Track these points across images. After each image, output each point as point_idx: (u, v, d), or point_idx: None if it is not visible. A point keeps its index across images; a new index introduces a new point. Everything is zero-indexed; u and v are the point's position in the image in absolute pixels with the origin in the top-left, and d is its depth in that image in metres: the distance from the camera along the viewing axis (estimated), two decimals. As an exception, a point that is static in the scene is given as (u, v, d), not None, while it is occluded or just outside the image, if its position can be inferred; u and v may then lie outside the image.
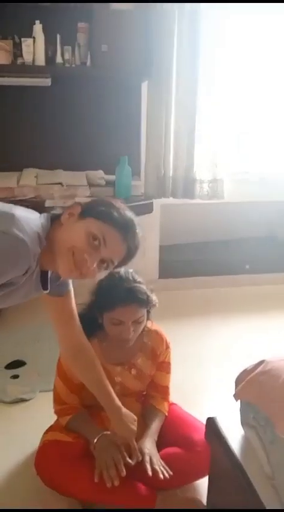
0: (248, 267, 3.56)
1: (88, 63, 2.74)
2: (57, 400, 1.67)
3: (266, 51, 3.34)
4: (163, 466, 1.50)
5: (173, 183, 3.15)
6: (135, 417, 1.57)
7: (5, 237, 1.07)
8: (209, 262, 3.53)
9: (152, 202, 2.98)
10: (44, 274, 1.25)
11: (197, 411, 1.77)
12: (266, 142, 3.63)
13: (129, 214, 1.23)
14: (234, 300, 3.37)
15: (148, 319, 1.62)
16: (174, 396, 1.81)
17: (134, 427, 1.54)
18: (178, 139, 3.06)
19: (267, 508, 1.14)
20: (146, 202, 2.95)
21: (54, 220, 1.21)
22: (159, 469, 1.47)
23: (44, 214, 1.23)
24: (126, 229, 1.19)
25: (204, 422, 1.52)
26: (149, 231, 3.26)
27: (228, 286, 3.50)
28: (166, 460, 1.56)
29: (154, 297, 1.59)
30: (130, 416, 1.55)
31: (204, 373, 2.46)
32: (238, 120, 3.39)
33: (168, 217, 3.37)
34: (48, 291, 1.28)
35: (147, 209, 2.92)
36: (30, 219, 1.16)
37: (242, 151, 3.49)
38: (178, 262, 3.50)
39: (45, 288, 1.27)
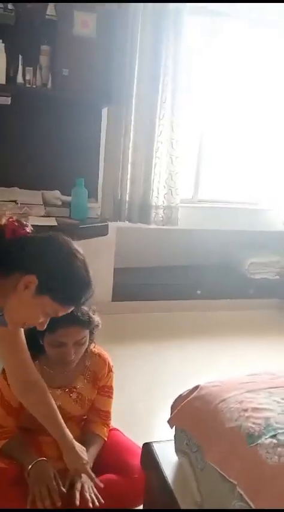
0: (199, 292, 3.63)
1: (49, 85, 2.77)
2: (-7, 423, 1.62)
3: (231, 79, 3.49)
4: (94, 494, 1.48)
5: (129, 207, 3.20)
6: (84, 448, 1.55)
7: None
8: (161, 286, 3.58)
9: (108, 225, 3.00)
10: None
11: (139, 437, 1.77)
12: (221, 172, 3.77)
13: (85, 275, 1.20)
14: (184, 324, 3.42)
15: (91, 340, 1.62)
16: (116, 421, 1.80)
17: (85, 457, 1.52)
18: (135, 165, 3.13)
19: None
20: (102, 224, 2.98)
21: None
22: (89, 497, 1.45)
23: None
24: (79, 304, 1.25)
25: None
26: (104, 253, 3.28)
27: (180, 311, 3.54)
28: (101, 487, 1.54)
29: (97, 318, 1.58)
30: (80, 447, 1.53)
31: (150, 398, 2.46)
32: (194, 149, 3.51)
33: (123, 241, 3.40)
34: None
35: (102, 231, 2.94)
36: None
37: (198, 180, 3.59)
38: (132, 286, 3.52)
39: None
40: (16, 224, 1.18)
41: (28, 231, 1.19)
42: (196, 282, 3.67)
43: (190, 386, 1.41)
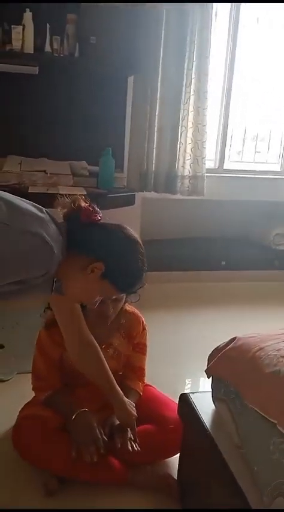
0: (224, 263, 3.65)
1: (76, 54, 2.78)
2: (36, 376, 1.70)
3: (254, 44, 3.44)
4: (132, 440, 1.56)
5: (155, 177, 3.21)
6: (133, 403, 1.64)
7: (35, 238, 1.12)
8: (187, 257, 3.60)
9: (134, 195, 3.03)
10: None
11: (171, 393, 1.83)
12: (248, 141, 3.75)
13: (143, 267, 1.31)
14: (210, 294, 3.45)
15: (127, 298, 1.68)
16: (149, 379, 1.87)
17: (134, 412, 1.62)
18: (161, 135, 3.13)
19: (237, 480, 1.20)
20: (129, 194, 3.01)
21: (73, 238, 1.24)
22: (128, 442, 1.53)
23: (63, 223, 1.25)
24: (133, 291, 1.40)
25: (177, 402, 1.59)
26: (130, 224, 3.27)
27: (205, 281, 3.58)
28: (139, 437, 1.62)
29: None
30: (130, 403, 1.63)
31: (179, 359, 2.54)
32: (221, 119, 3.48)
33: (149, 211, 3.42)
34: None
35: (128, 201, 2.97)
36: (54, 227, 1.20)
37: (224, 149, 3.57)
38: (158, 256, 3.55)
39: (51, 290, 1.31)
40: (90, 209, 1.27)
41: (100, 217, 1.28)
42: (221, 253, 3.68)
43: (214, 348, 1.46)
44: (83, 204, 1.27)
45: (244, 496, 1.14)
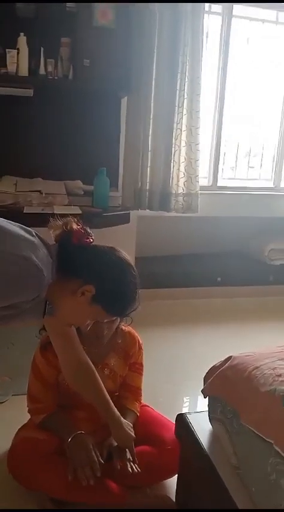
0: (219, 279, 3.66)
1: (70, 76, 2.83)
2: (31, 399, 1.69)
3: (245, 64, 3.52)
4: (132, 462, 1.54)
5: (150, 195, 3.24)
6: (131, 424, 1.62)
7: (26, 263, 1.11)
8: (182, 274, 3.61)
9: (129, 213, 3.05)
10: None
11: (167, 413, 1.82)
12: (241, 159, 3.80)
13: (135, 291, 1.31)
14: (205, 311, 3.45)
15: (122, 318, 1.67)
16: (145, 399, 1.86)
17: (133, 434, 1.60)
18: (155, 153, 3.17)
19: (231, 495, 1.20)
20: (123, 212, 3.03)
21: (63, 260, 1.24)
22: (127, 464, 1.52)
23: (54, 246, 1.26)
24: (124, 315, 1.40)
25: (174, 422, 1.58)
26: (125, 242, 3.30)
27: (200, 298, 3.58)
28: (137, 458, 1.60)
29: None
30: (127, 424, 1.61)
31: (173, 379, 2.52)
32: (214, 136, 3.53)
33: (144, 229, 3.45)
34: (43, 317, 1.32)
35: (124, 219, 2.99)
36: (45, 250, 1.20)
37: (217, 166, 3.61)
38: (153, 274, 3.56)
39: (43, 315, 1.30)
40: (82, 232, 1.26)
41: (92, 240, 1.28)
42: (217, 269, 3.69)
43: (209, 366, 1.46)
44: (75, 226, 1.26)
45: (242, 517, 1.13)
